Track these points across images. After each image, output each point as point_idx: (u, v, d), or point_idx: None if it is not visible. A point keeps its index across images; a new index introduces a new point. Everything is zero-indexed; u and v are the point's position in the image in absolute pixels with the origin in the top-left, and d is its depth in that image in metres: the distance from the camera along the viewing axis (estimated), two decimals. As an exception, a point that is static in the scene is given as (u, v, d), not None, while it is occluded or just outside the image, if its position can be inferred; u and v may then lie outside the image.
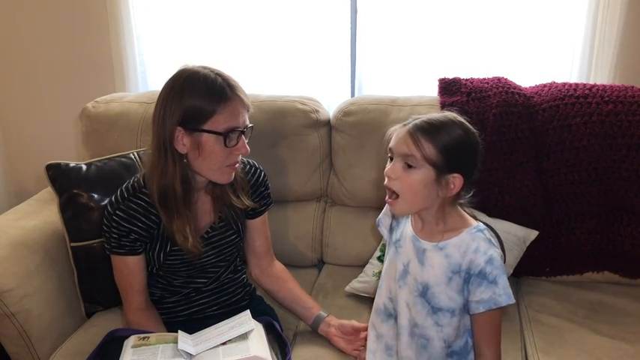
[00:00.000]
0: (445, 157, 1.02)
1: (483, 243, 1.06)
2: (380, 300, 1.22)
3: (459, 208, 1.11)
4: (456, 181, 1.04)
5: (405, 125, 1.06)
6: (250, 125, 1.26)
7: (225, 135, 1.19)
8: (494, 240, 1.09)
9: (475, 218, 1.13)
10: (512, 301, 1.05)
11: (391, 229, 1.22)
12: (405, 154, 1.04)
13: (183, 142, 1.20)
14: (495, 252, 1.06)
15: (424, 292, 1.11)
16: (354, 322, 1.35)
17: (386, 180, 1.07)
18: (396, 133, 1.07)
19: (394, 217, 1.21)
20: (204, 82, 1.18)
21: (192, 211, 1.28)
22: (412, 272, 1.13)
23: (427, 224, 1.12)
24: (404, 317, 1.15)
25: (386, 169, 1.07)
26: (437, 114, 1.08)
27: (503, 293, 1.04)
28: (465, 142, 1.04)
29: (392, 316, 1.19)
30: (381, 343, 1.22)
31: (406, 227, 1.17)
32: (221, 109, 1.18)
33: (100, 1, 2.13)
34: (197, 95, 1.18)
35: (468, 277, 1.06)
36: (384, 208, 1.26)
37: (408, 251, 1.14)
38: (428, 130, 1.03)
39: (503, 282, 1.04)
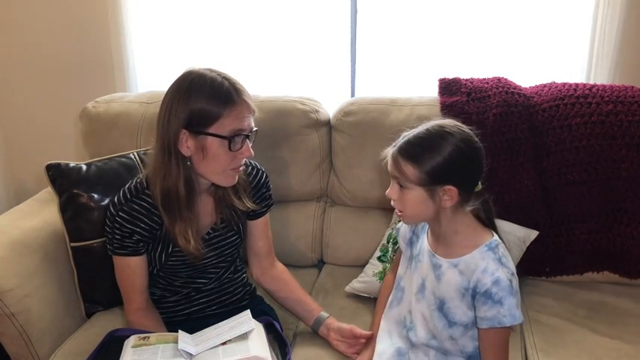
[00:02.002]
0: (429, 176, 1.04)
1: (492, 263, 1.06)
2: (402, 312, 1.23)
3: (472, 218, 1.12)
4: (450, 192, 1.05)
5: (393, 147, 1.09)
6: (255, 129, 1.26)
7: (230, 139, 1.19)
8: (506, 258, 1.09)
9: (493, 227, 1.13)
10: (518, 321, 1.05)
11: (411, 243, 1.24)
12: (395, 177, 1.08)
13: (187, 144, 1.20)
14: (504, 273, 1.06)
15: (441, 307, 1.13)
16: (355, 329, 1.33)
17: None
18: (388, 155, 1.10)
19: (414, 231, 1.24)
20: (211, 86, 1.18)
21: (194, 214, 1.28)
22: (429, 287, 1.15)
23: (440, 237, 1.13)
24: (420, 329, 1.17)
25: (387, 191, 1.11)
26: (423, 128, 1.07)
27: (507, 314, 1.04)
28: (452, 156, 1.03)
29: (408, 328, 1.20)
30: (393, 347, 1.22)
31: (424, 242, 1.19)
32: (227, 113, 1.18)
33: (100, 2, 2.13)
34: (203, 98, 1.17)
35: (475, 295, 1.08)
36: None
37: (426, 266, 1.16)
38: (409, 152, 1.06)
39: (510, 303, 1.05)
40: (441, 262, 1.12)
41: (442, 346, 1.14)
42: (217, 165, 1.22)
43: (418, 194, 1.06)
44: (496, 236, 1.11)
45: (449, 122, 1.07)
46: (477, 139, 1.07)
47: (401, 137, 1.09)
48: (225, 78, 1.21)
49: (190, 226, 1.26)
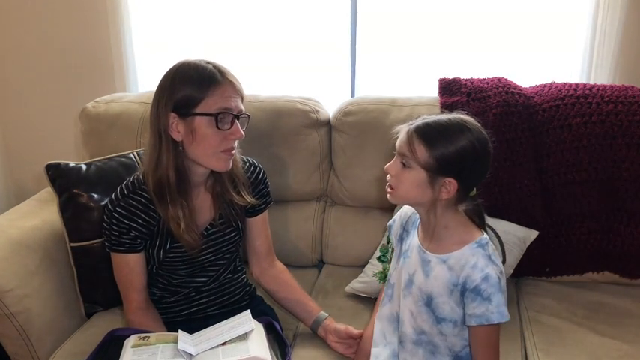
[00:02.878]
0: (438, 163, 1.03)
1: (482, 259, 1.06)
2: (393, 309, 1.22)
3: (464, 215, 1.11)
4: (450, 186, 1.04)
5: (410, 125, 1.08)
6: (246, 113, 1.27)
7: (217, 116, 1.20)
8: (494, 256, 1.08)
9: (484, 227, 1.12)
10: (505, 319, 1.05)
11: (401, 239, 1.24)
12: (402, 154, 1.07)
13: (177, 129, 1.22)
14: (493, 269, 1.05)
15: (429, 302, 1.12)
16: (349, 328, 1.34)
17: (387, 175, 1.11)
18: (401, 131, 1.09)
19: (404, 227, 1.23)
20: (195, 69, 1.21)
21: (187, 200, 1.28)
22: (417, 282, 1.14)
23: (430, 231, 1.12)
24: (408, 325, 1.16)
25: (386, 165, 1.10)
26: (445, 117, 1.07)
27: (495, 311, 1.04)
28: (466, 151, 1.03)
29: (398, 324, 1.20)
30: (389, 349, 1.22)
31: (414, 238, 1.18)
32: (211, 92, 1.20)
33: (100, 2, 2.13)
34: (188, 81, 1.20)
35: (464, 291, 1.07)
36: (396, 215, 1.28)
37: (414, 261, 1.15)
38: (426, 133, 1.04)
39: (498, 300, 1.04)
40: (430, 257, 1.12)
41: (432, 341, 1.14)
42: (207, 146, 1.23)
43: (419, 177, 1.05)
44: (486, 235, 1.11)
45: (471, 120, 1.07)
46: (490, 144, 1.07)
47: (420, 118, 1.08)
48: (209, 62, 1.24)
49: (182, 210, 1.26)
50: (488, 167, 1.08)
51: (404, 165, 1.07)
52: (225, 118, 1.22)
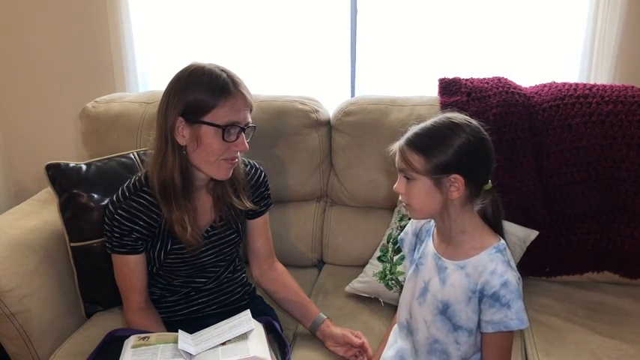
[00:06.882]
0: (436, 165, 1.03)
1: (501, 265, 1.05)
2: (402, 317, 1.22)
3: (480, 219, 1.10)
4: (457, 182, 1.03)
5: (400, 140, 1.09)
6: (252, 125, 1.26)
7: (224, 128, 1.20)
8: (512, 262, 1.08)
9: (501, 231, 1.12)
10: (525, 325, 1.04)
11: (413, 248, 1.24)
12: (402, 169, 1.08)
13: (183, 133, 1.21)
14: (512, 275, 1.05)
15: (444, 310, 1.11)
16: (346, 336, 1.33)
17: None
18: (395, 148, 1.10)
19: (417, 235, 1.23)
20: (209, 76, 1.20)
21: (191, 203, 1.29)
22: (432, 290, 1.13)
23: (447, 237, 1.11)
24: (422, 334, 1.16)
25: (394, 186, 1.11)
26: (430, 121, 1.08)
27: (515, 317, 1.04)
28: (460, 146, 1.03)
29: (411, 332, 1.19)
30: (394, 350, 1.22)
31: (428, 245, 1.17)
32: (222, 102, 1.20)
33: (99, 1, 2.13)
34: (200, 88, 1.19)
35: (482, 297, 1.06)
36: (407, 226, 1.27)
37: (430, 269, 1.15)
38: (416, 143, 1.05)
39: (517, 306, 1.04)
40: (446, 264, 1.11)
41: (445, 350, 1.13)
42: (210, 154, 1.23)
43: (425, 185, 1.05)
44: (503, 240, 1.10)
45: (457, 115, 1.07)
46: (484, 132, 1.07)
47: (408, 131, 1.09)
48: (224, 70, 1.23)
49: (187, 214, 1.26)
50: (490, 153, 1.08)
51: (408, 179, 1.07)
52: (232, 130, 1.21)
